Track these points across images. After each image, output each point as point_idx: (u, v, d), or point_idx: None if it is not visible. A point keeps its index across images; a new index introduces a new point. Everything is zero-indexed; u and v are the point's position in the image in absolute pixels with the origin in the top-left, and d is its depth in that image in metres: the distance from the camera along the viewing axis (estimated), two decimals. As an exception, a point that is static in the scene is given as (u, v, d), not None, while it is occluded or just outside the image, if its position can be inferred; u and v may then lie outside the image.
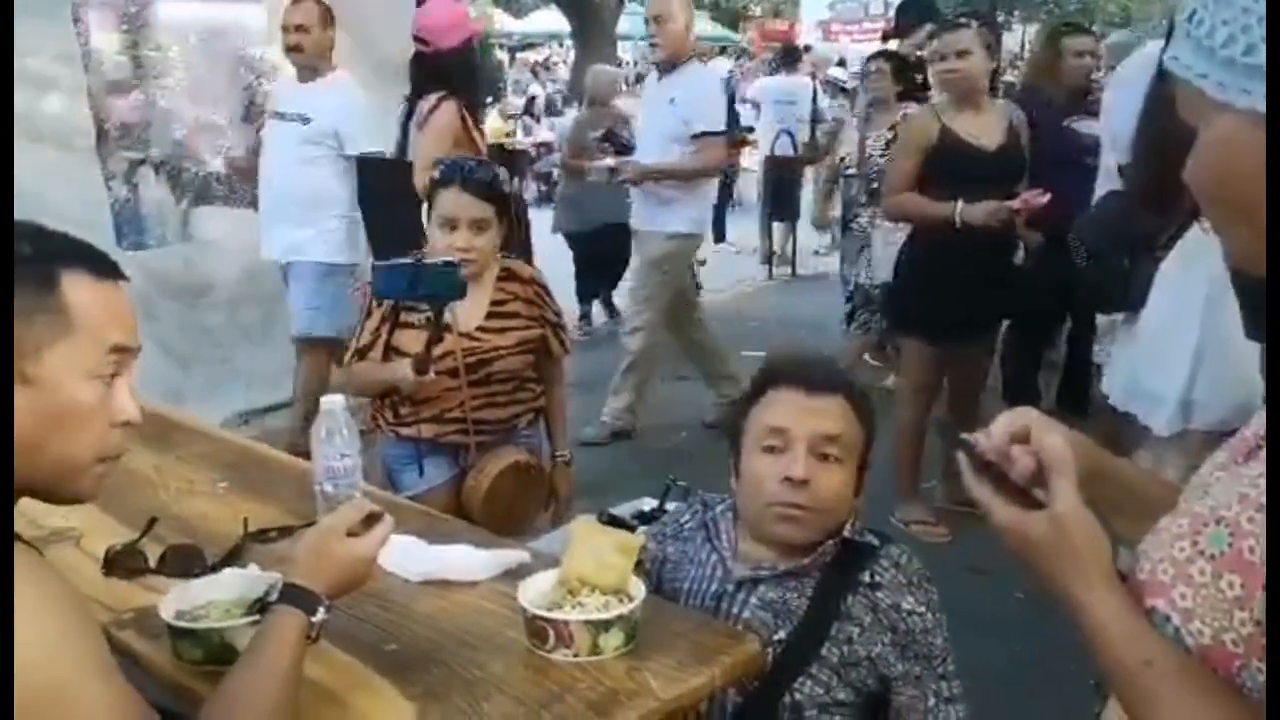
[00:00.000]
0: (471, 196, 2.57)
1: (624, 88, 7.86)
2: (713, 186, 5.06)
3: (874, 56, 5.38)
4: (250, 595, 1.48)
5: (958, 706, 1.64)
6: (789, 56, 8.75)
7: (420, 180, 3.78)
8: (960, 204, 3.60)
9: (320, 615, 1.29)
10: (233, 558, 1.71)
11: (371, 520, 1.40)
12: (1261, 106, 0.80)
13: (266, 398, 4.74)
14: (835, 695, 1.60)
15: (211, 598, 1.50)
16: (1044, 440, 0.95)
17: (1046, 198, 3.60)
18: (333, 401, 1.78)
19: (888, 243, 4.47)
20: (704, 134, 4.46)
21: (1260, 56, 0.79)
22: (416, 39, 4.01)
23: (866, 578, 1.65)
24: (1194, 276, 2.94)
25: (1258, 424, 0.93)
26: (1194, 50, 0.84)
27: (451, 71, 4.05)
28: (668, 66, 4.53)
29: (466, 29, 4.15)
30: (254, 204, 4.49)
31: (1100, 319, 3.90)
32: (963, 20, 3.93)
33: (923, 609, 1.64)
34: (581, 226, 6.43)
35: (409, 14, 4.33)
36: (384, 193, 4.02)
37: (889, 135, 4.85)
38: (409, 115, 4.10)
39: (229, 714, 1.18)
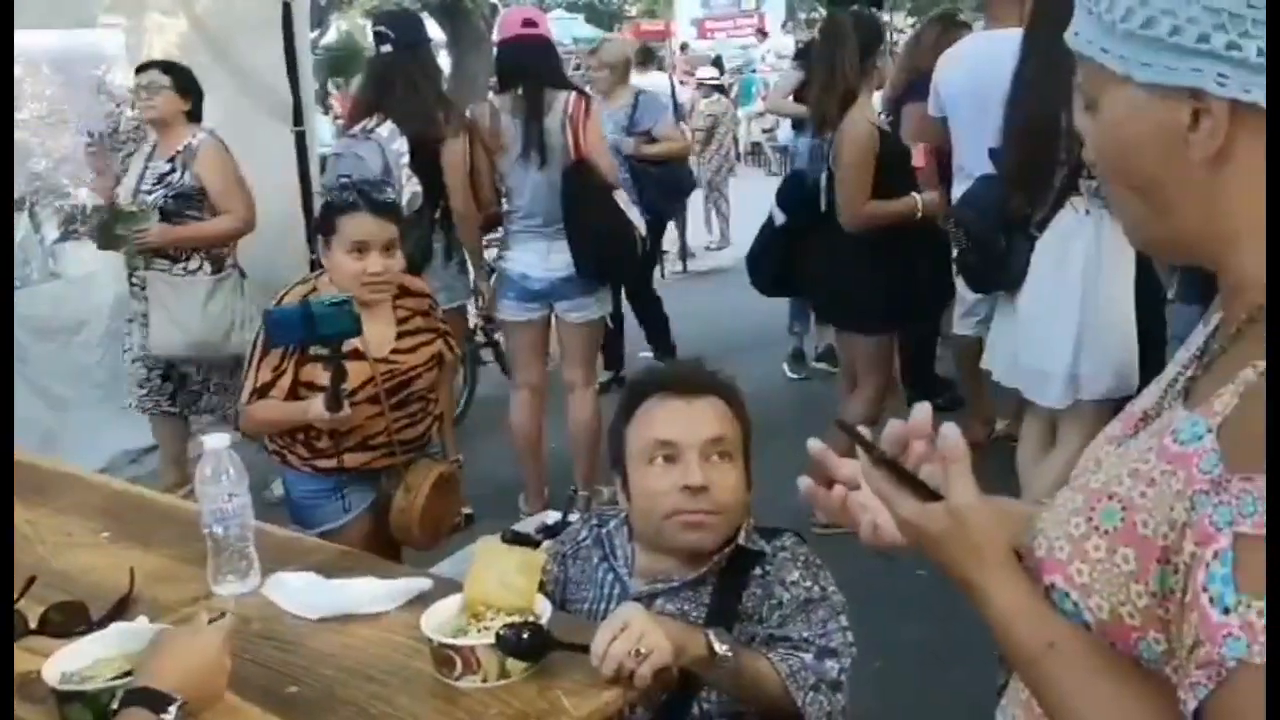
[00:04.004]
0: (379, 219, 2.56)
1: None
2: None
3: None
4: (138, 650, 1.42)
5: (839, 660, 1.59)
6: (643, 56, 8.78)
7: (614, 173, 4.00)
8: (919, 197, 3.72)
9: (172, 713, 1.21)
10: (120, 611, 1.64)
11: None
12: (1162, 78, 0.81)
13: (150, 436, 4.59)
14: None
15: (99, 655, 1.44)
16: (941, 430, 0.95)
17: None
18: (216, 439, 1.72)
19: None
20: None
21: (1159, 29, 0.81)
22: (529, 23, 3.95)
23: (758, 572, 1.66)
24: (1071, 255, 3.06)
25: (1146, 400, 0.95)
26: (1095, 25, 0.85)
27: (557, 61, 4.07)
28: None
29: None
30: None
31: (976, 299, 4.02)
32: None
33: (809, 583, 1.63)
34: None
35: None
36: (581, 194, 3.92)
37: None
38: (533, 110, 3.86)
39: None
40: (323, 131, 6.58)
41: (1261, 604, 0.71)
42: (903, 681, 2.82)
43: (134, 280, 3.81)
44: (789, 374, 5.70)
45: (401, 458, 2.62)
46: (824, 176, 3.76)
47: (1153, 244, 0.92)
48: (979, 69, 3.62)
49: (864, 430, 1.01)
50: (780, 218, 3.91)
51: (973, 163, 3.61)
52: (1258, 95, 0.78)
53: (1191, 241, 0.87)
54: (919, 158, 3.88)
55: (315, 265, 2.98)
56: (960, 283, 4.17)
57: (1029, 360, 3.20)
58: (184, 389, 3.86)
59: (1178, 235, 0.88)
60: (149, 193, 3.70)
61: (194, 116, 3.82)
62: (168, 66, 3.80)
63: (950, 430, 0.95)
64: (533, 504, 3.99)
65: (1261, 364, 0.78)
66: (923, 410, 1.00)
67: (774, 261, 3.99)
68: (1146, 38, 0.82)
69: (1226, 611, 0.73)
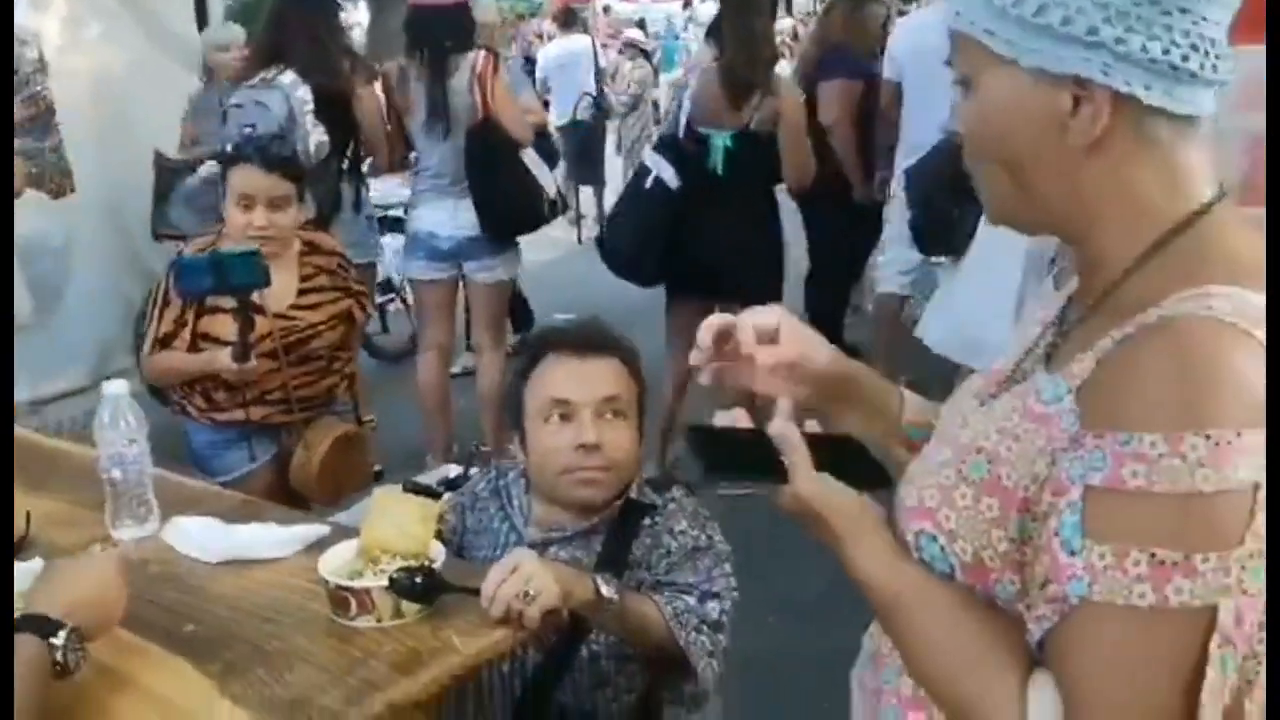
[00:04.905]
0: (268, 173, 2.55)
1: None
2: None
3: None
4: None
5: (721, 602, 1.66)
6: (565, 19, 8.76)
7: (527, 134, 3.95)
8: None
9: (62, 638, 1.22)
10: (15, 553, 1.65)
11: None
12: (1050, 65, 0.87)
13: (54, 386, 4.51)
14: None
15: (-8, 595, 1.46)
16: (772, 427, 1.02)
17: None
18: (115, 385, 1.74)
19: None
20: None
21: (1051, 17, 0.86)
22: None
23: (648, 523, 1.74)
24: None
25: (1007, 360, 1.03)
26: (981, 7, 0.90)
27: (469, 26, 4.01)
28: None
29: None
30: (37, 184, 4.21)
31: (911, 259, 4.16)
32: None
33: (696, 532, 1.71)
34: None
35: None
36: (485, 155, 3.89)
37: None
38: (436, 75, 3.88)
39: None
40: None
41: (1103, 548, 0.80)
42: (794, 635, 2.95)
43: None
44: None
45: (300, 415, 2.63)
46: (729, 140, 3.76)
47: (1015, 220, 0.98)
48: (932, 40, 3.72)
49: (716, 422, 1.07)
50: (675, 181, 3.83)
51: (920, 131, 3.70)
52: (1137, 88, 0.86)
53: (1055, 219, 0.94)
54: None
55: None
56: (890, 240, 4.31)
57: (969, 328, 3.23)
58: None
59: (1042, 213, 0.94)
60: None
61: None
62: None
63: (783, 428, 1.01)
64: (440, 462, 4.03)
65: (1118, 333, 0.85)
66: (708, 328, 1.10)
67: (665, 234, 3.85)
68: (1037, 25, 0.87)
69: (1073, 554, 0.81)
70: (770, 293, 3.97)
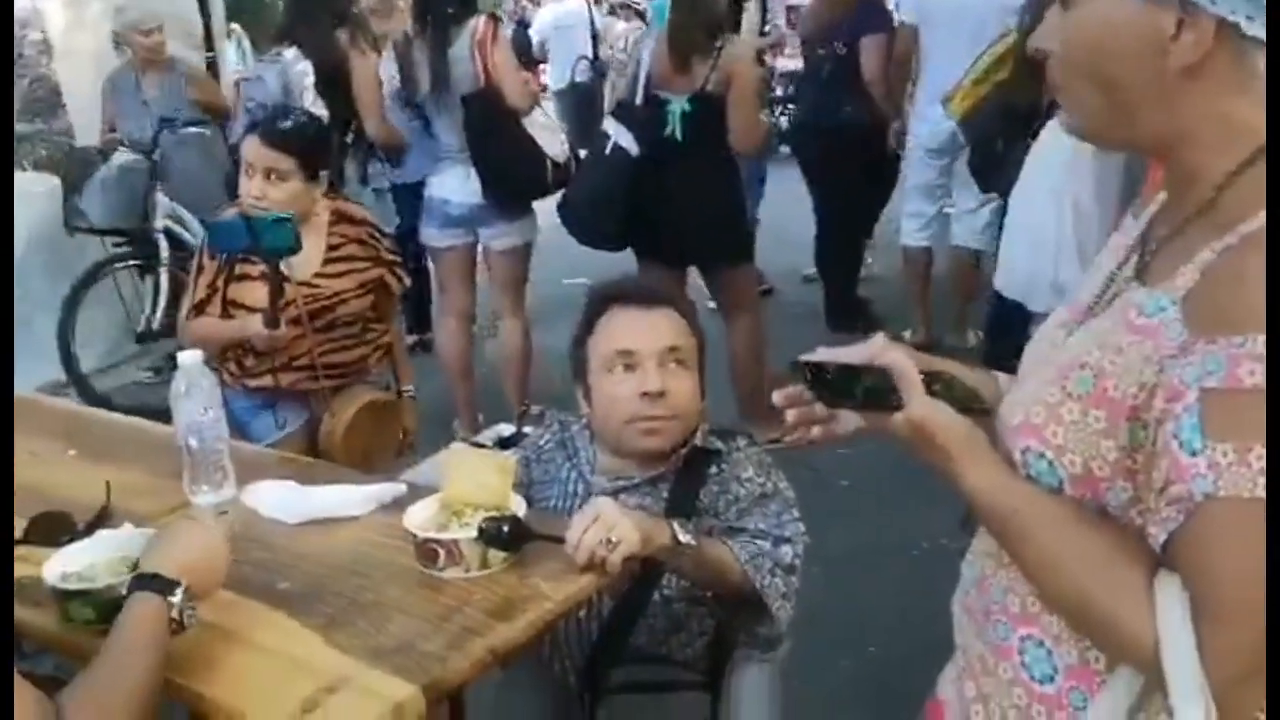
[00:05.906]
0: (267, 146, 2.58)
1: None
2: None
3: None
4: (132, 552, 1.48)
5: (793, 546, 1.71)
6: None
7: (527, 101, 3.87)
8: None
9: (179, 597, 1.28)
10: (102, 520, 1.69)
11: None
12: None
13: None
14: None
15: (93, 559, 1.50)
16: (884, 357, 1.05)
17: None
18: (191, 356, 1.77)
19: None
20: None
21: None
22: None
23: (714, 470, 1.78)
24: (1051, 159, 3.02)
25: (1089, 291, 1.07)
26: None
27: None
28: None
29: None
30: (46, 167, 4.25)
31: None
32: None
33: (761, 478, 1.76)
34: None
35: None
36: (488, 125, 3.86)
37: None
38: (437, 44, 3.85)
39: (87, 703, 1.16)
40: (230, 57, 6.42)
41: (1225, 445, 0.83)
42: (836, 583, 3.00)
43: None
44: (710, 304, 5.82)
45: (327, 382, 2.65)
46: (686, 104, 3.75)
47: (1105, 137, 1.01)
48: None
49: (819, 356, 1.09)
50: (634, 147, 3.82)
51: (942, 74, 3.71)
52: (1240, 18, 0.88)
53: (1147, 138, 0.97)
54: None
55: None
56: (910, 192, 4.33)
57: (1022, 267, 3.19)
58: None
59: (1135, 132, 0.97)
60: None
61: None
62: None
63: (896, 357, 1.04)
64: (467, 428, 4.07)
65: (1219, 244, 0.89)
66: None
67: (624, 200, 3.84)
68: None
69: (1194, 454, 0.85)
70: (735, 255, 4.04)
